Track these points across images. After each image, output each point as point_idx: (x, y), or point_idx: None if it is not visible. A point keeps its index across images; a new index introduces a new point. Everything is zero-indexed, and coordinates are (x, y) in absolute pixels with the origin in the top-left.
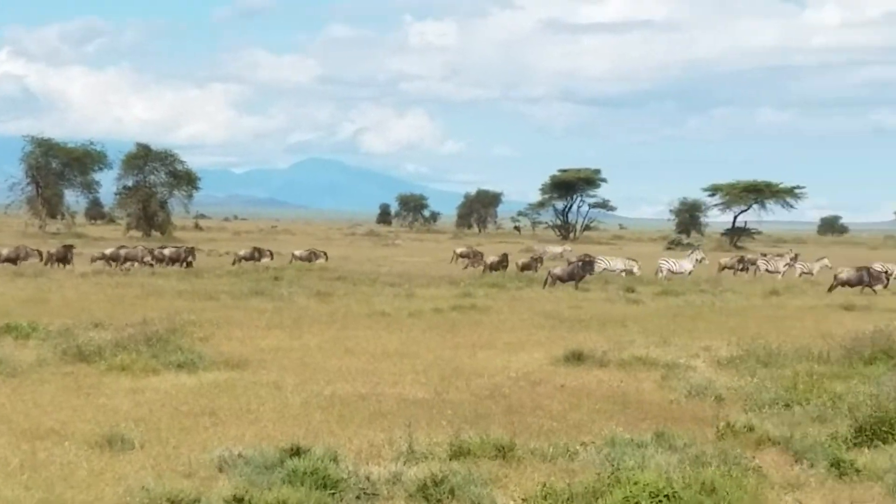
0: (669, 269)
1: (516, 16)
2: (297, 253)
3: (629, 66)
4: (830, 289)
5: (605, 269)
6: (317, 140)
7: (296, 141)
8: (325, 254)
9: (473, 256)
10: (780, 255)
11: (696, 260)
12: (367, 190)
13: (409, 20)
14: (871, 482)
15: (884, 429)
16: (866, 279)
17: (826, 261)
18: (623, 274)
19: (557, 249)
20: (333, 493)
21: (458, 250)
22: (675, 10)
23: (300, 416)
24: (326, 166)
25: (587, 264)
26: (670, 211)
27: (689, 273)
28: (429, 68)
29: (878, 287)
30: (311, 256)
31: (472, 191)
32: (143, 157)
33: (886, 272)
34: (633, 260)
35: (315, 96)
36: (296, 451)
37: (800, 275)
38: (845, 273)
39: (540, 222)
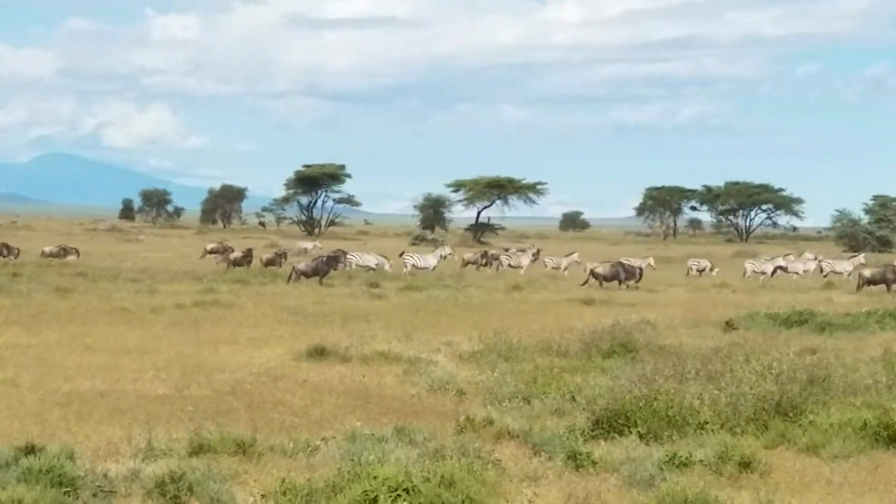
0: (414, 265)
1: (260, 10)
2: (46, 249)
3: (373, 62)
4: (585, 283)
5: (356, 264)
6: (58, 135)
7: (36, 135)
8: (77, 250)
9: (224, 252)
10: (523, 251)
11: (442, 256)
12: (109, 185)
13: (152, 14)
14: (606, 474)
15: (620, 421)
16: (622, 274)
17: (576, 256)
18: (375, 269)
19: (308, 245)
20: (69, 492)
21: (209, 246)
22: (419, 6)
23: (36, 413)
24: (68, 161)
25: (332, 259)
26: (415, 206)
27: (434, 268)
28: (171, 63)
29: (632, 282)
30: (62, 253)
31: (217, 186)
32: None
33: (639, 267)
34: (385, 256)
35: (56, 90)
36: (31, 450)
37: (548, 270)
38: (600, 268)
39: (285, 218)
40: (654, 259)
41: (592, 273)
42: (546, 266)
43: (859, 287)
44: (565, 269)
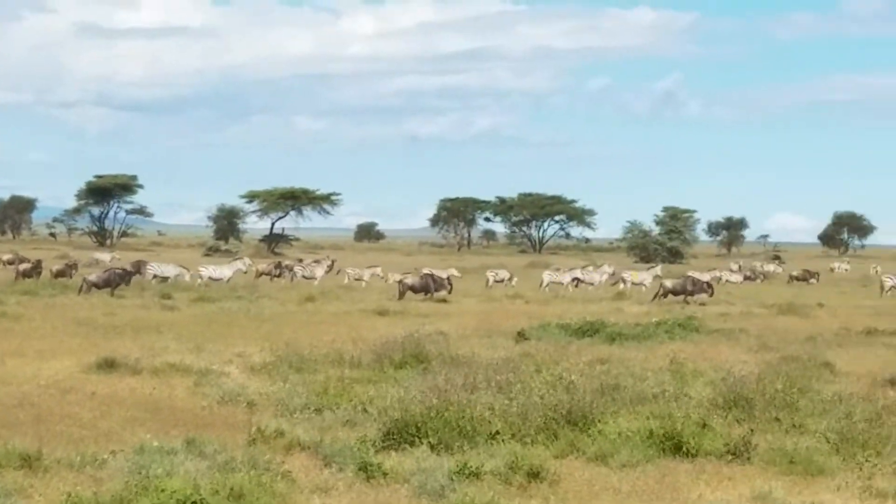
0: (209, 276)
1: (50, 19)
2: None
3: (166, 72)
4: (400, 296)
5: (156, 275)
6: None
7: None
8: None
9: (20, 262)
10: (318, 262)
11: (242, 270)
12: None
13: None
14: (397, 484)
15: (411, 432)
16: (432, 285)
17: (378, 270)
18: (175, 279)
19: (106, 257)
20: None
21: (5, 257)
22: (212, 17)
23: None
24: None
25: (127, 272)
26: (209, 217)
27: (229, 280)
28: None
29: (443, 292)
30: None
31: (6, 196)
32: None
33: (448, 277)
34: (185, 267)
35: None
36: None
37: (349, 282)
38: (410, 279)
39: (76, 229)
40: (456, 269)
41: (401, 284)
42: (348, 278)
43: (657, 297)
44: (368, 281)
